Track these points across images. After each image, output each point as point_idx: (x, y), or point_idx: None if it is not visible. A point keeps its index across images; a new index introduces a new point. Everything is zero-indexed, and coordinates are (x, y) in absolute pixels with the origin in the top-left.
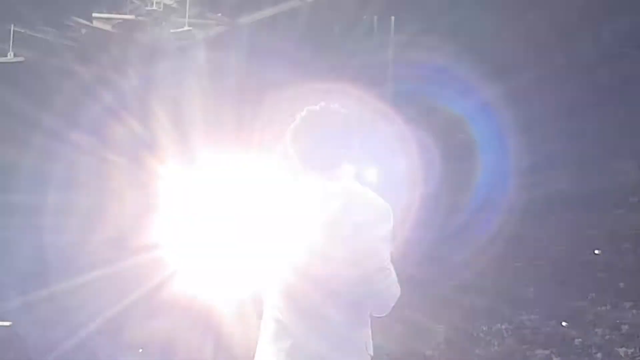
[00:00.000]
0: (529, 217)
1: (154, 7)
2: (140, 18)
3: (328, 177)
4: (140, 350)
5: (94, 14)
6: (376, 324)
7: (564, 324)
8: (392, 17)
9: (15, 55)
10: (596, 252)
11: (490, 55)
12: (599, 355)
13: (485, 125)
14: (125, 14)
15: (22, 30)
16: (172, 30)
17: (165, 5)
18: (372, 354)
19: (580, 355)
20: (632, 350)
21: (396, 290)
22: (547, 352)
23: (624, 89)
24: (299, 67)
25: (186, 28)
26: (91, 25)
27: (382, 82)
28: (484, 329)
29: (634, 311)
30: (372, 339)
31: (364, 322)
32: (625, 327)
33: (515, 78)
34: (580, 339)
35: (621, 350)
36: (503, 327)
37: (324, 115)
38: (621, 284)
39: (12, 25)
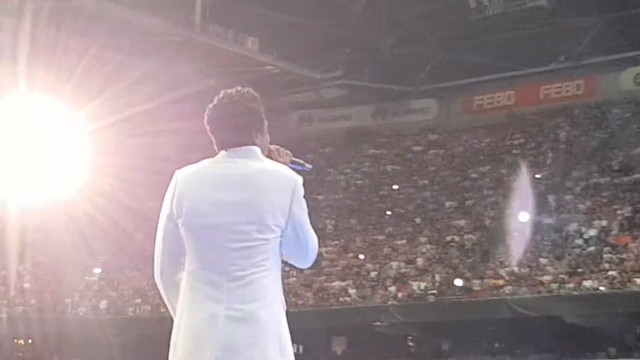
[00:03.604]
0: (325, 151)
1: None
2: None
3: (236, 155)
4: None
5: None
6: None
7: (360, 256)
8: None
9: None
10: (395, 187)
11: None
12: (392, 288)
13: None
14: None
15: None
16: None
17: None
18: (285, 308)
19: (375, 287)
20: (425, 283)
21: (310, 244)
22: (343, 284)
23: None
24: None
25: None
26: None
27: None
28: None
29: (428, 246)
30: None
31: (277, 281)
32: (420, 261)
33: None
34: (376, 272)
35: (415, 284)
36: None
37: (234, 98)
38: (417, 219)
39: None
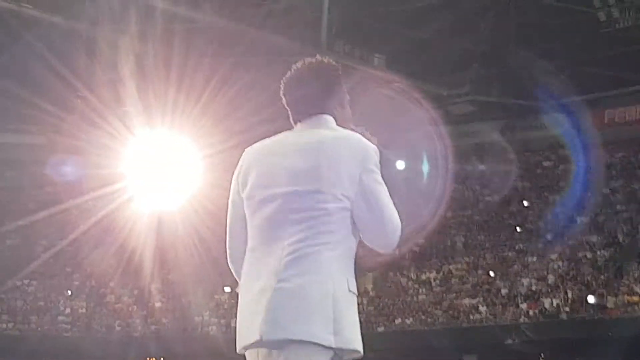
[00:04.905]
0: (463, 170)
1: None
2: None
3: (308, 125)
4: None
5: None
6: None
7: (491, 273)
8: None
9: None
10: (524, 203)
11: None
12: (524, 305)
13: None
14: None
15: None
16: None
17: None
18: (355, 291)
19: (506, 305)
20: (557, 301)
21: (386, 222)
22: (474, 301)
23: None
24: None
25: None
26: None
27: None
28: (413, 277)
29: (560, 262)
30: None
31: (344, 258)
32: (551, 278)
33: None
34: (506, 289)
35: (546, 301)
36: (431, 276)
37: (310, 66)
38: (549, 236)
39: None
